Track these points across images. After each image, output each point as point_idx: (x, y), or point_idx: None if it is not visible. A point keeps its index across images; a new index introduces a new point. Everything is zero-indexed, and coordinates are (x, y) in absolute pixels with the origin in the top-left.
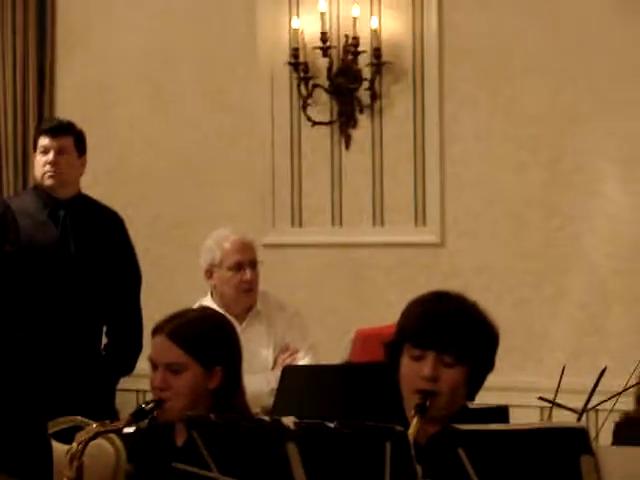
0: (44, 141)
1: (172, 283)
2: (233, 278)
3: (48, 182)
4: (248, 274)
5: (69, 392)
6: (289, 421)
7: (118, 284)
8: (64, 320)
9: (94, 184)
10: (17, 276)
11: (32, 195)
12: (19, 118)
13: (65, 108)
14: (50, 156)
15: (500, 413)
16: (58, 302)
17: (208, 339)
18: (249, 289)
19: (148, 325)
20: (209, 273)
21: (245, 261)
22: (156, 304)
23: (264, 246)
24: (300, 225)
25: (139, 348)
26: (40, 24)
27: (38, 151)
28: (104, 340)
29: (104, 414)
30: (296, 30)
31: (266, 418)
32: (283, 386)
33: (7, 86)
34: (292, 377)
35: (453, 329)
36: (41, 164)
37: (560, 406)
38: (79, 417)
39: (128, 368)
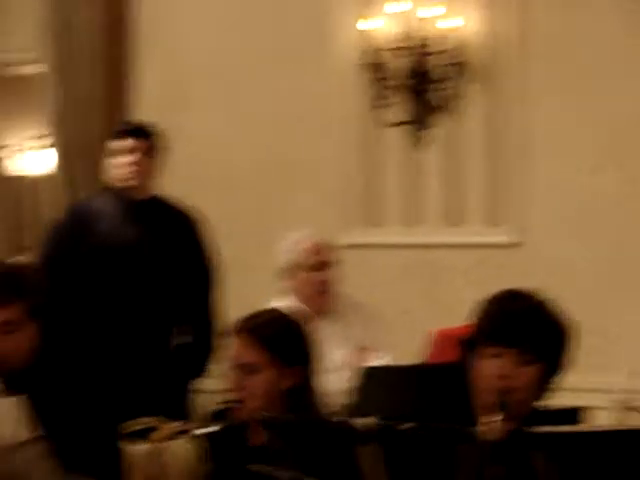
0: (121, 142)
1: (249, 283)
2: (311, 279)
3: (124, 183)
4: (325, 275)
5: (144, 393)
6: (365, 422)
7: (192, 284)
8: (139, 320)
9: (171, 184)
10: (93, 276)
11: (109, 196)
12: (99, 118)
13: (142, 110)
14: (127, 157)
15: (572, 414)
16: (133, 302)
17: (284, 339)
18: (326, 290)
19: (225, 326)
20: (287, 274)
21: (323, 262)
22: (233, 304)
23: (340, 247)
24: (376, 226)
25: (209, 349)
26: (121, 23)
27: (115, 152)
28: (178, 340)
29: (179, 415)
30: (371, 31)
31: (341, 419)
32: (361, 386)
33: (87, 85)
34: (370, 377)
35: (530, 327)
36: (118, 165)
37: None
38: (157, 417)
39: (199, 369)
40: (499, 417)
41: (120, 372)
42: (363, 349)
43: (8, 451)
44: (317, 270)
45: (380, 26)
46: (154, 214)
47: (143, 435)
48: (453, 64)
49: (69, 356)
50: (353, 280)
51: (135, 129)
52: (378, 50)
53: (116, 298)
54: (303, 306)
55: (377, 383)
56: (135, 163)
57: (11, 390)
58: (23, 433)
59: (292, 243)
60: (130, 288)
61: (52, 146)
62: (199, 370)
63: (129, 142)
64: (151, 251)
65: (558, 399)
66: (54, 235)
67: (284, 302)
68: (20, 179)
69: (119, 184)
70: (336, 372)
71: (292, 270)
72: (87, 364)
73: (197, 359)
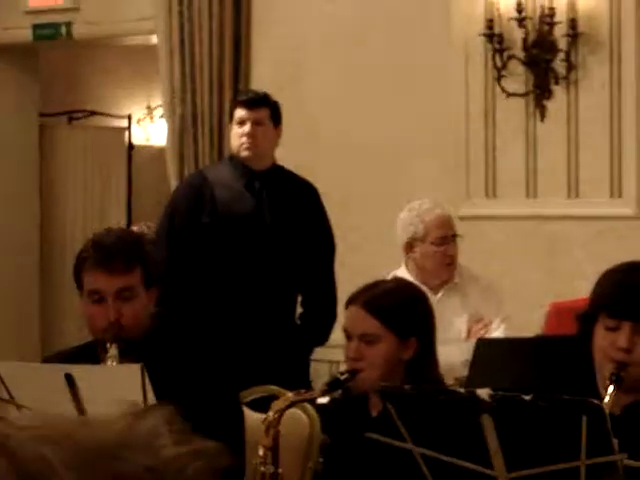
0: (240, 113)
1: (365, 254)
2: (437, 252)
3: (244, 153)
4: (451, 248)
5: (265, 361)
6: (484, 393)
7: (313, 254)
8: (259, 289)
9: (287, 156)
10: (214, 246)
11: (228, 166)
12: (215, 90)
13: (260, 80)
14: (246, 128)
15: None
16: (254, 272)
17: (403, 310)
18: (451, 263)
19: (341, 297)
20: (409, 246)
21: (448, 235)
22: (349, 276)
23: (458, 218)
24: (494, 197)
25: (333, 318)
26: None
27: (234, 122)
28: (299, 310)
29: (299, 384)
30: (491, 1)
31: (461, 390)
32: (477, 358)
33: (203, 58)
34: (486, 349)
35: None
36: (237, 135)
37: None
38: (274, 386)
39: (322, 338)
40: (613, 390)
41: (243, 341)
42: (480, 321)
43: (133, 417)
44: (442, 243)
45: None
46: (274, 184)
47: (262, 403)
48: (574, 35)
49: (190, 325)
50: (471, 251)
51: (254, 99)
52: (500, 20)
53: (237, 268)
54: (424, 278)
55: (493, 355)
56: (253, 133)
57: (126, 357)
58: (145, 399)
59: (417, 215)
60: (251, 257)
61: (164, 117)
62: (322, 339)
63: (244, 112)
64: (272, 221)
65: None
66: (174, 206)
67: (404, 273)
68: (143, 149)
69: (238, 154)
70: (455, 344)
71: (415, 242)
72: (209, 333)
73: (320, 328)
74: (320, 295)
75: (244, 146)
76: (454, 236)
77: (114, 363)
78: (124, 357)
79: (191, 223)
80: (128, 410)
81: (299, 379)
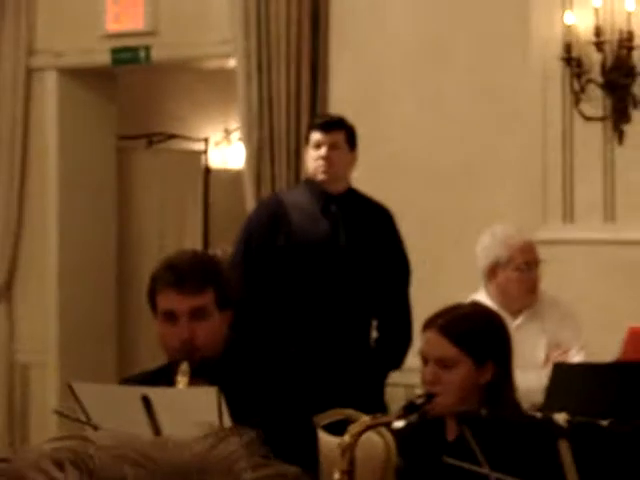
0: (316, 136)
1: (442, 279)
2: (520, 278)
3: (320, 177)
4: (534, 274)
5: (340, 385)
6: (560, 418)
7: (388, 278)
8: (334, 313)
9: (366, 179)
10: (289, 270)
11: (304, 189)
12: (292, 113)
13: (337, 103)
14: (322, 151)
15: None
16: (329, 295)
17: (480, 334)
18: (533, 289)
19: (418, 321)
20: (492, 271)
21: (532, 261)
22: (426, 300)
23: (535, 242)
24: (572, 221)
25: (408, 342)
26: (314, 17)
27: (310, 146)
28: (374, 334)
29: (374, 408)
30: (569, 25)
31: (537, 414)
32: (553, 383)
33: (281, 81)
34: (563, 374)
35: None
36: (313, 159)
37: None
38: (350, 410)
39: (397, 362)
40: None
41: (318, 365)
42: (558, 346)
43: (212, 440)
44: (526, 269)
45: (581, 19)
46: (349, 208)
47: (338, 427)
48: None
49: (265, 348)
50: (548, 276)
51: (329, 122)
52: (579, 43)
53: (313, 291)
54: (505, 302)
55: (570, 380)
56: (329, 157)
57: (199, 378)
58: (221, 422)
59: (500, 241)
60: (327, 281)
61: (242, 140)
62: (397, 363)
63: (320, 136)
64: (347, 244)
65: None
66: (250, 229)
67: (483, 297)
68: (220, 172)
69: (314, 177)
70: (533, 370)
71: (498, 267)
72: (284, 356)
73: (395, 352)
74: (395, 319)
75: (320, 169)
76: (537, 262)
77: (185, 378)
78: (197, 377)
79: (267, 246)
80: (207, 433)
81: (374, 403)
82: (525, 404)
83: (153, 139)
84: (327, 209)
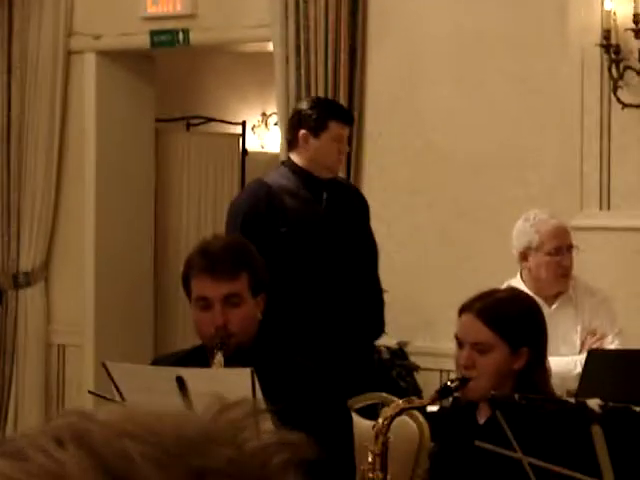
0: (339, 128)
1: (477, 265)
2: (552, 263)
3: (336, 170)
4: (566, 259)
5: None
6: (594, 403)
7: (369, 256)
8: (341, 295)
9: (402, 164)
10: (293, 254)
11: (289, 174)
12: (329, 97)
13: (375, 90)
14: (345, 146)
15: None
16: (334, 277)
17: (516, 319)
18: (565, 274)
19: (454, 307)
20: (524, 256)
21: (564, 246)
22: (461, 286)
23: (572, 229)
24: (608, 208)
25: (382, 309)
26: (352, 3)
27: (330, 137)
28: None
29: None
30: (608, 12)
31: (570, 400)
32: (588, 370)
33: (319, 66)
34: (597, 361)
35: None
36: (335, 152)
37: None
38: (383, 393)
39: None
40: None
41: (333, 344)
42: (594, 333)
43: (218, 410)
44: (557, 254)
45: (620, 6)
46: (336, 193)
47: (370, 411)
48: None
49: (290, 332)
50: (584, 262)
51: (350, 115)
52: (617, 30)
53: (317, 275)
54: (538, 288)
55: (605, 367)
56: (345, 151)
57: (233, 363)
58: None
59: (533, 225)
60: (328, 264)
61: (278, 124)
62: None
63: (346, 129)
64: (340, 227)
65: None
66: (244, 217)
67: (517, 283)
68: (256, 156)
69: (326, 166)
70: (568, 356)
71: (529, 252)
72: (309, 339)
73: (377, 321)
74: (377, 294)
75: (339, 164)
76: (570, 247)
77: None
78: (231, 363)
79: (268, 233)
80: (213, 403)
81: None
82: (559, 390)
83: (191, 122)
84: (318, 195)
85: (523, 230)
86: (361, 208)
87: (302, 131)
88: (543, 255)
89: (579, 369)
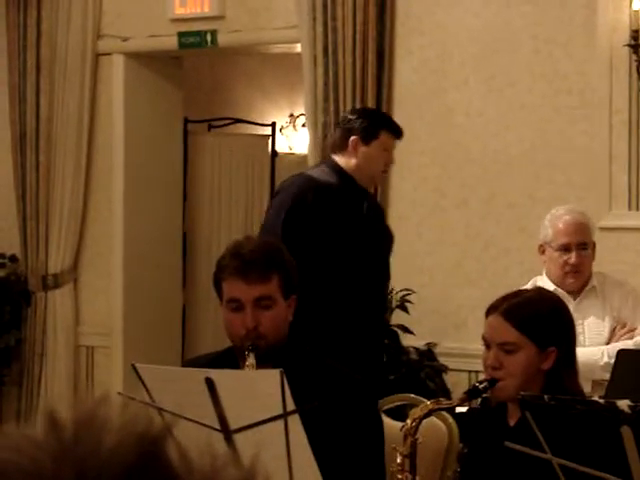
0: (391, 141)
1: (507, 264)
2: (559, 259)
3: (376, 181)
4: (573, 257)
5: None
6: (624, 404)
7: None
8: (374, 299)
9: (431, 165)
10: (330, 254)
11: (332, 173)
12: (357, 99)
13: (403, 89)
14: (391, 157)
15: None
16: (354, 285)
17: (543, 320)
18: (574, 271)
19: (482, 306)
20: (542, 249)
21: (573, 243)
22: (489, 284)
23: (600, 229)
24: (637, 209)
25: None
26: (380, 3)
27: (381, 147)
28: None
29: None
30: (637, 12)
31: (600, 400)
32: (618, 369)
33: (347, 67)
34: (627, 360)
35: None
36: (383, 163)
37: None
38: (412, 395)
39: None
40: None
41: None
42: (623, 324)
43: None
44: (564, 250)
45: None
46: (373, 206)
47: (399, 412)
48: None
49: (325, 333)
50: (613, 262)
51: (402, 132)
52: None
53: (343, 278)
54: (556, 283)
55: (635, 366)
56: (391, 166)
57: (265, 365)
58: (284, 404)
59: (550, 220)
60: (354, 271)
61: (307, 125)
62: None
63: (394, 142)
64: (372, 240)
65: None
66: (295, 212)
67: (543, 281)
68: (286, 157)
69: (370, 176)
70: (596, 346)
71: (545, 245)
72: (343, 340)
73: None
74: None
75: (381, 176)
76: (582, 244)
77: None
78: (262, 365)
79: (311, 227)
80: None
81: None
82: (586, 380)
83: (219, 123)
84: (361, 203)
85: (543, 224)
86: (389, 236)
87: (353, 137)
88: (553, 250)
89: (606, 359)
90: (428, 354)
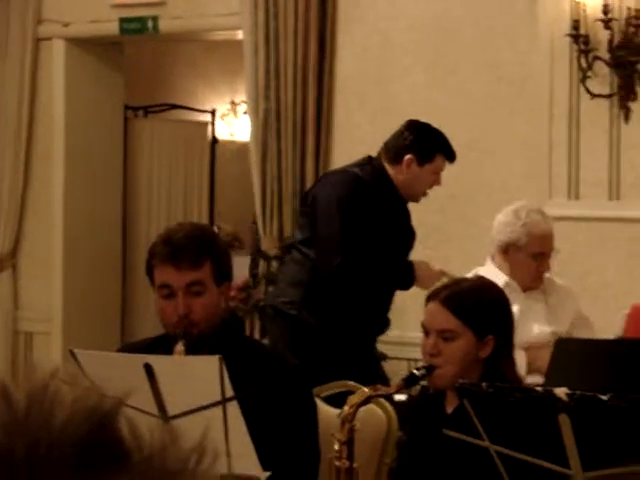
0: (444, 165)
1: (449, 253)
2: (531, 265)
3: (416, 199)
4: (547, 265)
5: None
6: (561, 392)
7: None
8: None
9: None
10: (383, 251)
11: (374, 173)
12: (299, 86)
13: (344, 76)
14: (439, 180)
15: None
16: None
17: (482, 307)
18: (540, 276)
19: (422, 294)
20: (504, 249)
21: (547, 252)
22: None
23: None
24: (577, 198)
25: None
26: None
27: (432, 169)
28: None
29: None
30: (577, 2)
31: (538, 388)
32: (555, 358)
33: (288, 54)
34: (564, 349)
35: None
36: (430, 183)
37: None
38: (350, 382)
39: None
40: None
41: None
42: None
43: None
44: (539, 259)
45: None
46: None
47: (338, 399)
48: None
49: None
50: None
51: (455, 155)
52: (586, 21)
53: (388, 274)
54: (510, 280)
55: (572, 355)
56: (435, 186)
57: (196, 352)
58: (223, 390)
59: (525, 224)
60: (396, 260)
61: (248, 112)
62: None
63: (446, 165)
64: (405, 250)
65: None
66: (350, 209)
67: (486, 271)
68: (226, 144)
69: (414, 194)
70: (540, 336)
71: (512, 248)
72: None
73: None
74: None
75: (423, 196)
76: (552, 252)
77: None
78: (194, 352)
79: (368, 228)
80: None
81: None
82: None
83: (159, 109)
84: (404, 211)
85: (512, 224)
86: (413, 235)
87: (409, 156)
88: (525, 256)
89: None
90: None
